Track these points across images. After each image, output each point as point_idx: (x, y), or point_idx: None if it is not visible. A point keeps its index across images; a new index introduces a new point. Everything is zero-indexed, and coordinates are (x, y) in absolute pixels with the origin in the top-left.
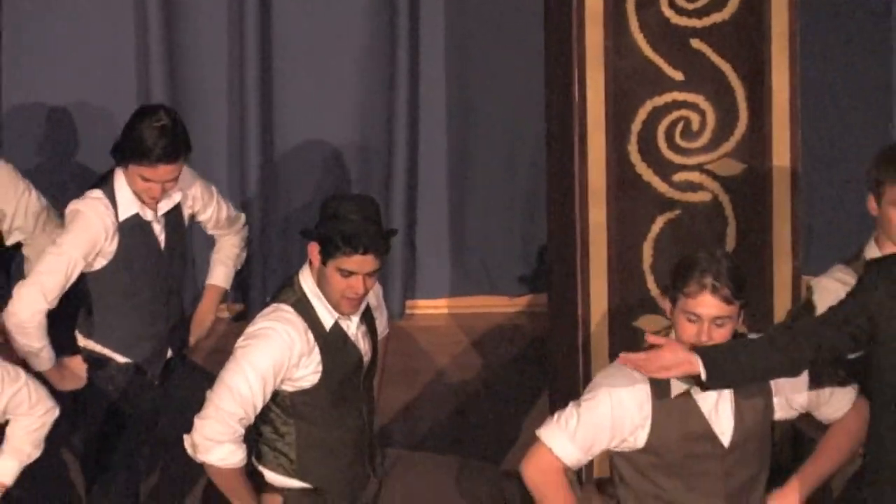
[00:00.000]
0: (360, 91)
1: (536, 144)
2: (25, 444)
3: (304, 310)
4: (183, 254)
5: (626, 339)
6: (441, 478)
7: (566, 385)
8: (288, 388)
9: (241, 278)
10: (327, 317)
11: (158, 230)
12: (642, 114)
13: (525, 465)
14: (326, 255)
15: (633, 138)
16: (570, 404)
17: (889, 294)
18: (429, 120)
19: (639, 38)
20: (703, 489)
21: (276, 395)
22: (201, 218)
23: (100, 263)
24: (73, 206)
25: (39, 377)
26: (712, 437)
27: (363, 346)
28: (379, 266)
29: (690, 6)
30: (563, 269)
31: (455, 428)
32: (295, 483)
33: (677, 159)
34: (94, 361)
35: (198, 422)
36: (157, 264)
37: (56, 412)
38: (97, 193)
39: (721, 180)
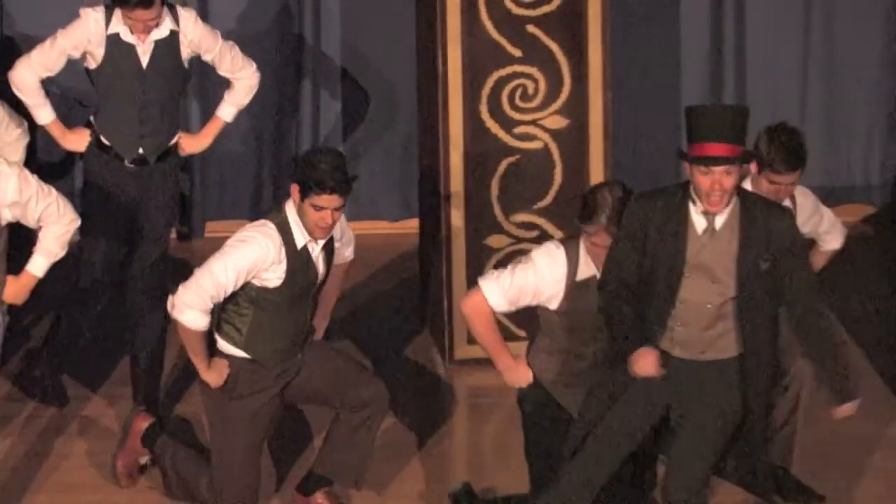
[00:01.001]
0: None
1: (410, 103)
2: (55, 246)
3: (284, 229)
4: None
5: (476, 253)
6: (344, 363)
7: (434, 285)
8: (255, 283)
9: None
10: (300, 238)
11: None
12: (490, 82)
13: (463, 303)
14: (303, 194)
15: (484, 100)
16: (508, 266)
17: (646, 210)
18: (328, 88)
19: (487, 24)
20: (588, 344)
21: (245, 286)
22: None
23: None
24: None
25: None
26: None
27: (321, 266)
28: (343, 203)
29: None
30: (431, 199)
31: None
32: (240, 353)
33: (517, 116)
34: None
35: (181, 288)
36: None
37: (77, 222)
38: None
39: (550, 132)
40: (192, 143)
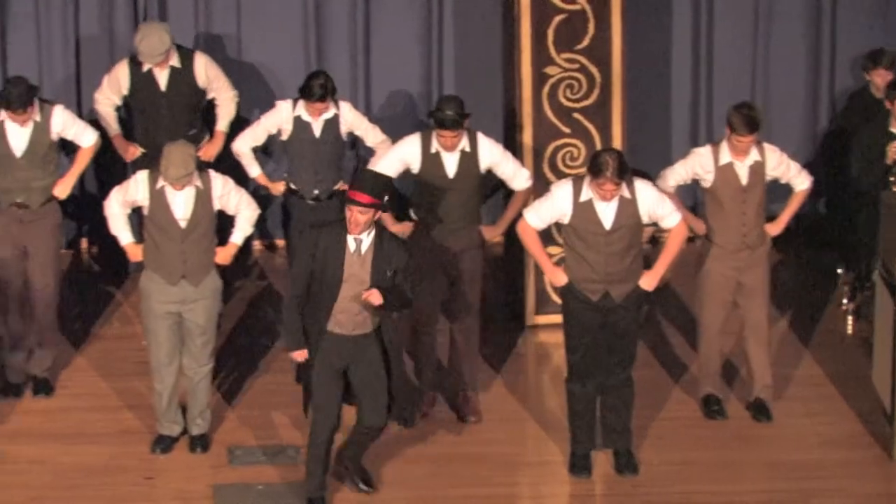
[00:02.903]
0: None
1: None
2: (248, 225)
3: None
4: None
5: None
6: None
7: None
8: None
9: None
10: None
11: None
12: (550, 148)
13: (517, 228)
14: None
15: (546, 159)
16: (540, 198)
17: None
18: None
19: (549, 111)
20: (595, 249)
21: None
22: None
23: None
24: None
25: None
26: (599, 223)
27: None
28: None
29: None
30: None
31: None
32: None
33: (566, 171)
34: None
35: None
36: None
37: (258, 211)
38: None
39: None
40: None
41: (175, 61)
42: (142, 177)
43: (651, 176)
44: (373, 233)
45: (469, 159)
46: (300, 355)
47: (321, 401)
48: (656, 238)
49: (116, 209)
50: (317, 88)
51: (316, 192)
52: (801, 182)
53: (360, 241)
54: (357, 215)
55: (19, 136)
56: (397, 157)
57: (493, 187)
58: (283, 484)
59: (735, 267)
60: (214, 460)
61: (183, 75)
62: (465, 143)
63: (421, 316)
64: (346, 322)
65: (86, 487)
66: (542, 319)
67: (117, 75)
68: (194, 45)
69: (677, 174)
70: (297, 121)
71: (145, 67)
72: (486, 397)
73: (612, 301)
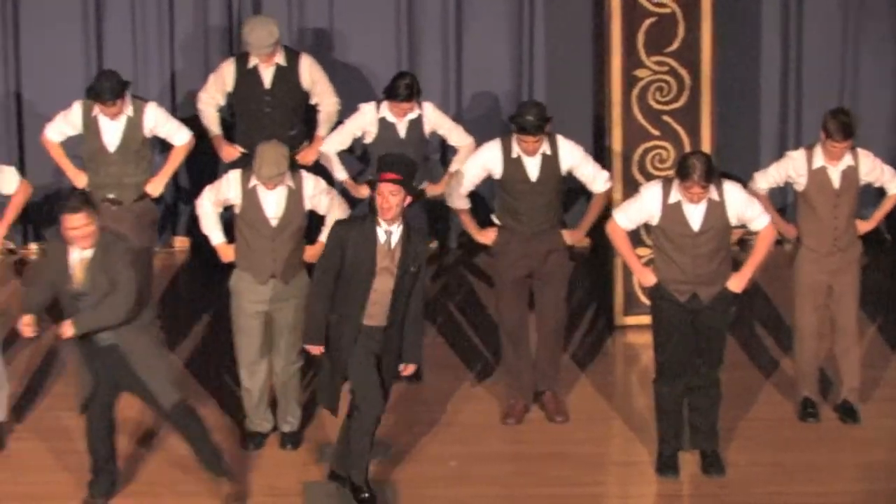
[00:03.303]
0: None
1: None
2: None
3: None
4: None
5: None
6: None
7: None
8: None
9: None
10: None
11: None
12: (640, 151)
13: (606, 229)
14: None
15: (635, 163)
16: (630, 199)
17: None
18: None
19: (638, 114)
20: (683, 251)
21: None
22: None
23: None
24: None
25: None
26: (687, 225)
27: None
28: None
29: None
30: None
31: None
32: None
33: (655, 173)
34: None
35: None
36: None
37: (348, 211)
38: None
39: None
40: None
41: (280, 59)
42: (234, 176)
43: (739, 178)
44: (402, 226)
45: (550, 162)
46: (317, 350)
47: (366, 391)
48: (744, 240)
49: (208, 208)
50: (402, 89)
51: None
52: (894, 184)
53: (389, 234)
54: (388, 196)
55: (112, 131)
56: (479, 164)
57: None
58: (371, 481)
59: (827, 270)
60: (304, 457)
61: (287, 74)
62: (546, 147)
63: (511, 325)
64: (378, 314)
65: (185, 483)
66: (631, 320)
67: (223, 72)
68: (286, 41)
69: (770, 177)
70: (382, 122)
71: (251, 64)
72: (573, 397)
73: (700, 302)
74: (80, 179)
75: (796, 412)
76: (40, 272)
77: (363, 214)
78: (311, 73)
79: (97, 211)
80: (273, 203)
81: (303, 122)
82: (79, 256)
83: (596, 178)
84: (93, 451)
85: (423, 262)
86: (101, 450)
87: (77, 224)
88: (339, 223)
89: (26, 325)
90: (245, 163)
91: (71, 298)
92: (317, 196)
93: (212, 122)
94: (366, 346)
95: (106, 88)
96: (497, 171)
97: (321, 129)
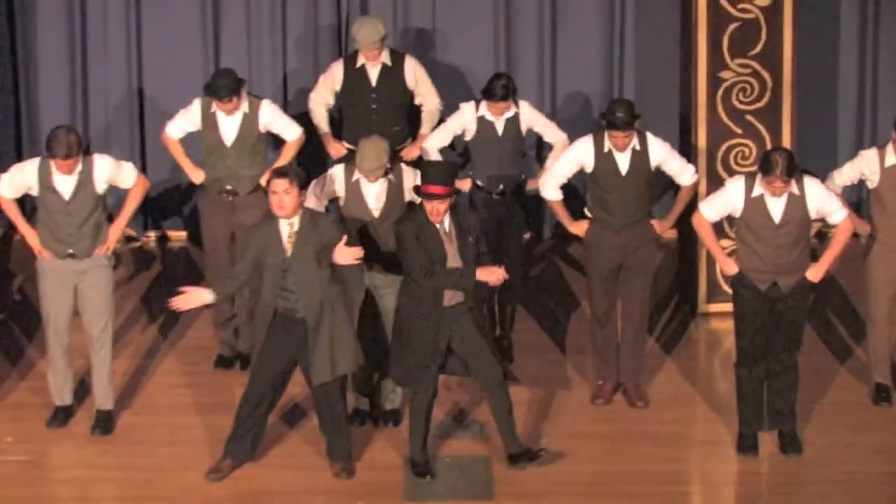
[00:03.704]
0: None
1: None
2: None
3: None
4: None
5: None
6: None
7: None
8: None
9: None
10: None
11: None
12: (723, 148)
13: (692, 220)
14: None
15: (719, 159)
16: (714, 193)
17: None
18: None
19: (722, 114)
20: (765, 242)
21: None
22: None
23: None
24: None
25: None
26: (769, 217)
27: None
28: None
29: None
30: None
31: None
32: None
33: (738, 169)
34: None
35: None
36: None
37: None
38: None
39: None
40: (532, 183)
41: (386, 59)
42: (338, 170)
43: (817, 175)
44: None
45: (640, 157)
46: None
47: (421, 372)
48: (823, 233)
49: (313, 202)
50: (499, 89)
51: (501, 186)
52: None
53: (442, 222)
54: (438, 206)
55: (229, 126)
56: (573, 159)
57: (663, 188)
58: (468, 456)
59: None
60: (405, 433)
61: (392, 74)
62: (635, 142)
63: (601, 312)
64: (446, 294)
65: (300, 456)
66: (714, 307)
67: (333, 72)
68: (391, 40)
69: (845, 175)
70: (481, 120)
71: (359, 63)
72: (658, 379)
73: (779, 291)
74: (196, 176)
75: (870, 396)
76: (244, 252)
77: (416, 209)
78: (414, 73)
79: (300, 182)
80: (374, 195)
81: (406, 120)
82: (288, 230)
83: (683, 172)
84: (240, 416)
85: (477, 230)
86: (250, 418)
87: (282, 188)
88: (399, 223)
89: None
90: (352, 158)
91: (279, 270)
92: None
93: (321, 120)
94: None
95: (222, 86)
96: (589, 165)
97: (424, 127)
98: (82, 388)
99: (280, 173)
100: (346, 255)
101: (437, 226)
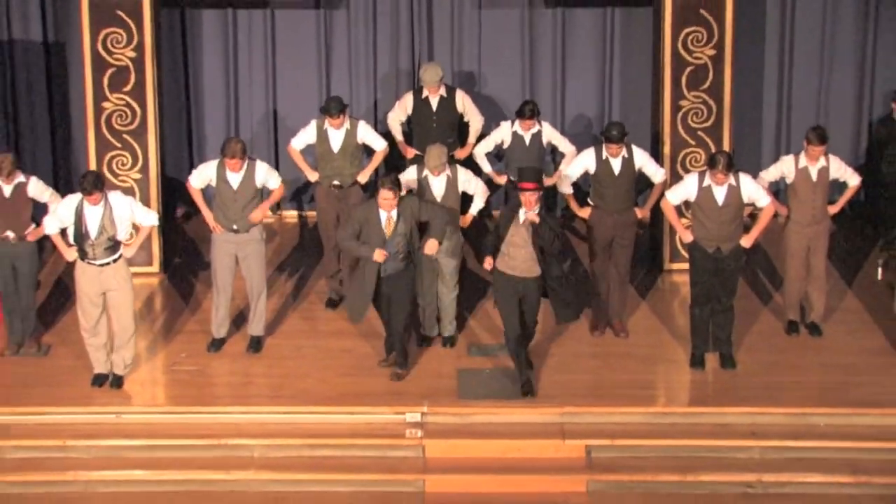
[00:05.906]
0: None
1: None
2: (481, 202)
3: None
4: None
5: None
6: None
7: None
8: None
9: None
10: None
11: None
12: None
13: (661, 205)
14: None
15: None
16: (676, 184)
17: None
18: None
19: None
20: (711, 218)
21: None
22: None
23: None
24: None
25: None
26: (715, 201)
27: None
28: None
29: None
30: None
31: None
32: None
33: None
34: None
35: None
36: None
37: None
38: None
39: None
40: (549, 180)
41: (443, 92)
42: (413, 168)
43: (748, 172)
44: (536, 209)
45: (628, 163)
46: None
47: (509, 316)
48: (753, 214)
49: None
50: (527, 111)
51: None
52: (852, 179)
53: (524, 213)
54: (530, 197)
55: (336, 138)
56: (580, 164)
57: (643, 185)
58: (503, 368)
59: (807, 235)
60: (459, 352)
61: (448, 102)
62: (624, 152)
63: (600, 273)
64: (518, 267)
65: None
66: (675, 266)
67: (405, 100)
68: (450, 79)
69: (770, 173)
70: (514, 134)
71: (423, 95)
72: (636, 316)
73: (721, 253)
74: (312, 176)
75: (784, 329)
76: (351, 219)
77: (515, 204)
78: (463, 102)
79: (399, 191)
80: (437, 186)
81: (457, 134)
82: (386, 217)
83: (656, 173)
84: (391, 341)
85: (558, 231)
86: (398, 341)
87: (389, 196)
88: (503, 216)
89: (381, 253)
90: (421, 160)
91: (379, 240)
92: (466, 182)
93: (397, 132)
94: (508, 288)
95: (333, 106)
96: (592, 169)
97: (471, 138)
98: (239, 318)
99: (389, 185)
100: (432, 247)
101: (520, 217)
